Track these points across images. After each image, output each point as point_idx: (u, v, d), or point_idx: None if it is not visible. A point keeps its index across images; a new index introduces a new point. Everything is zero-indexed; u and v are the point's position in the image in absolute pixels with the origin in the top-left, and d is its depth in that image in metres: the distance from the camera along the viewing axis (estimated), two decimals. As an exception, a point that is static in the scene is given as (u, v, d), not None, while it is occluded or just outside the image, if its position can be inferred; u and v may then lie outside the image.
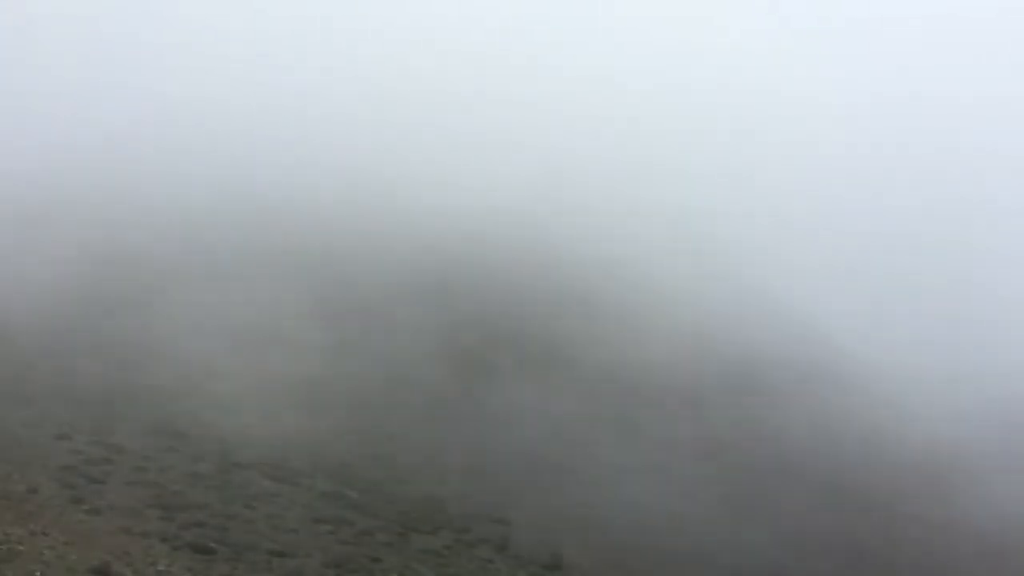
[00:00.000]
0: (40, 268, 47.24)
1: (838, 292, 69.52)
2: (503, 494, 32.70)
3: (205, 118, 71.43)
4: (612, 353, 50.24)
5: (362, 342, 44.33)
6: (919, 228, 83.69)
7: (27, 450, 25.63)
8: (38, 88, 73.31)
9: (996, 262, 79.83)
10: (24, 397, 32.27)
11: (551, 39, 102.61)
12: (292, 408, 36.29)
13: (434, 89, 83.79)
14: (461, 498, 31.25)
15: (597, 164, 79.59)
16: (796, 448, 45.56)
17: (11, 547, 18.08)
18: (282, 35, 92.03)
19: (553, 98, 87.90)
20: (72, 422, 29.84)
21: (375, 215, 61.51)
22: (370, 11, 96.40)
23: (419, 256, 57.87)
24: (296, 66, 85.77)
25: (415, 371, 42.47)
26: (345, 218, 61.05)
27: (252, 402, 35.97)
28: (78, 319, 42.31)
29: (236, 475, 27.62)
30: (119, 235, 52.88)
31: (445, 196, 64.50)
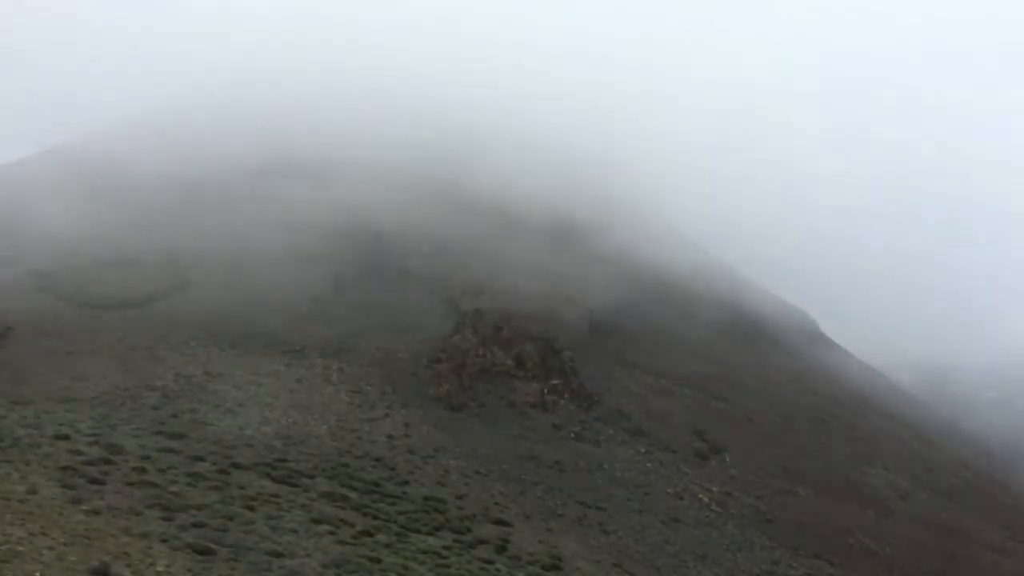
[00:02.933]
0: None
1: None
2: (502, 495, 32.69)
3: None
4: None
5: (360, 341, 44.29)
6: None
7: (27, 450, 25.61)
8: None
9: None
10: (23, 397, 32.28)
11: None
12: (291, 408, 36.22)
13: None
14: (461, 499, 31.23)
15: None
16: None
17: (11, 547, 18.07)
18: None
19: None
20: (72, 422, 29.84)
21: (371, 209, 61.40)
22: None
23: (420, 255, 57.84)
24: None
25: (414, 370, 42.36)
26: (339, 215, 60.95)
27: (252, 403, 35.91)
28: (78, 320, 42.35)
29: (236, 476, 27.58)
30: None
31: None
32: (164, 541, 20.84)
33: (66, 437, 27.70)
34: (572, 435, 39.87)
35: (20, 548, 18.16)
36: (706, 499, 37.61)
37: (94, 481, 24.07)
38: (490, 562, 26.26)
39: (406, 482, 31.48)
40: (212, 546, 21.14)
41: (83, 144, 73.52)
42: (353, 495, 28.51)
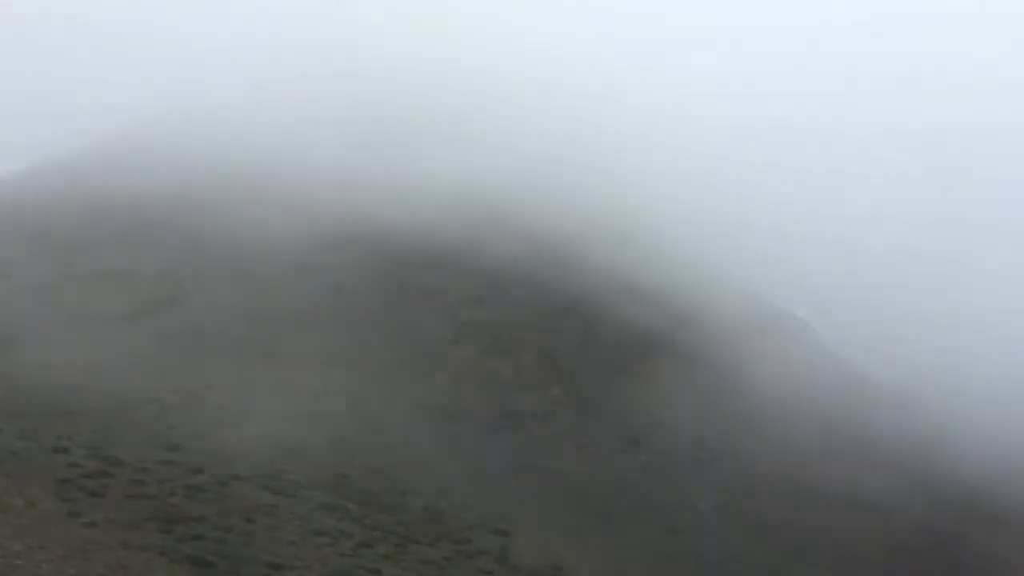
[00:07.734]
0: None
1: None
2: (502, 505, 32.61)
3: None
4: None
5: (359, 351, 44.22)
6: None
7: (24, 463, 25.52)
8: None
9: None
10: (21, 410, 32.19)
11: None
12: (290, 420, 36.15)
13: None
14: (460, 509, 31.15)
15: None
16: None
17: (9, 561, 17.96)
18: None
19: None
20: (70, 435, 29.74)
21: (369, 219, 61.39)
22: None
23: (416, 264, 57.78)
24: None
25: (412, 381, 42.30)
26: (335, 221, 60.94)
27: (250, 414, 35.84)
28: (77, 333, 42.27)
29: (234, 488, 27.51)
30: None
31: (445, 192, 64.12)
32: (163, 554, 20.74)
33: (64, 450, 27.60)
34: (572, 444, 39.82)
35: (18, 562, 18.07)
36: (706, 508, 37.55)
37: (92, 494, 23.96)
38: (490, 572, 26.22)
39: (405, 493, 31.41)
40: (211, 558, 21.05)
41: (80, 155, 73.57)
42: (352, 506, 28.45)
